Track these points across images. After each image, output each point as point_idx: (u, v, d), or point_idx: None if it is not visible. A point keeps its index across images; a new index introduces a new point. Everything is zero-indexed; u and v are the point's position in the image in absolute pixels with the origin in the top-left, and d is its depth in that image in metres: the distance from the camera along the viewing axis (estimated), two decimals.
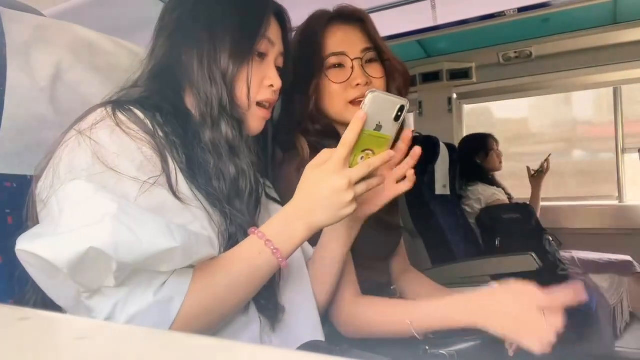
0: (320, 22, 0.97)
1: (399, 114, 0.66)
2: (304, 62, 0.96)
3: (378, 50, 0.98)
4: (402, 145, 0.75)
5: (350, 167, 0.64)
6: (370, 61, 0.96)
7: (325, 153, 0.65)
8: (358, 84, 0.93)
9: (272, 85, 0.76)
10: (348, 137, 0.63)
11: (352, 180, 0.63)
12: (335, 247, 0.80)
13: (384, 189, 0.77)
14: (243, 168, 0.71)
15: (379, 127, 0.65)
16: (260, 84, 0.75)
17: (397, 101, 0.65)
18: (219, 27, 0.72)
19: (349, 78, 0.94)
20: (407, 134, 0.71)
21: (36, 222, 0.62)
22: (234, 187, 0.70)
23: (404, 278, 1.12)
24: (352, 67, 0.94)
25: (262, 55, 0.75)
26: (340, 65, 0.95)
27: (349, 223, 0.79)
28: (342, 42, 0.95)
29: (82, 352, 0.28)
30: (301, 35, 0.99)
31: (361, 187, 0.65)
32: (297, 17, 0.99)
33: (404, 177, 0.78)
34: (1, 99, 0.69)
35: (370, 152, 0.66)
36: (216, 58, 0.71)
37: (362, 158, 0.66)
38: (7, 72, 0.70)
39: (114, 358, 0.27)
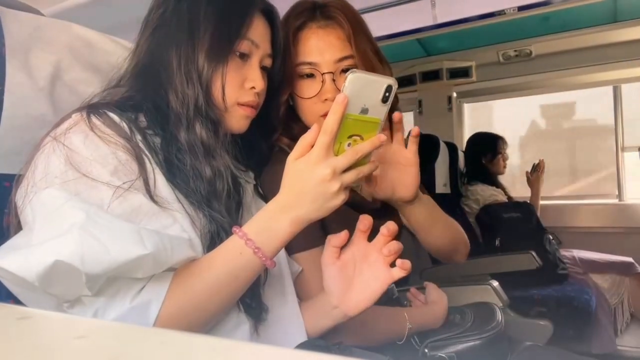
0: (296, 21, 0.88)
1: (387, 94, 0.61)
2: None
3: (359, 57, 0.87)
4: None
5: (336, 155, 0.60)
6: (347, 71, 0.86)
7: (303, 140, 0.61)
8: (327, 99, 0.86)
9: (253, 87, 0.74)
10: (329, 123, 0.59)
11: (337, 169, 0.60)
12: (319, 329, 0.76)
13: (376, 277, 0.69)
14: (219, 169, 0.69)
15: (365, 111, 0.61)
16: (240, 86, 0.73)
17: (382, 81, 0.61)
18: (200, 26, 0.70)
19: (318, 92, 0.86)
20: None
21: (17, 228, 0.62)
22: (211, 189, 0.68)
23: None
24: (323, 81, 0.86)
25: (244, 57, 0.73)
26: (311, 75, 0.87)
27: (341, 317, 0.73)
28: (315, 50, 0.86)
29: (82, 351, 0.28)
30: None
31: (350, 176, 0.61)
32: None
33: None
34: (0, 98, 0.69)
35: (358, 138, 0.62)
36: (193, 58, 0.69)
37: (349, 145, 0.62)
38: (7, 72, 0.70)
39: (114, 357, 0.27)
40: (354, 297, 0.71)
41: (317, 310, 0.76)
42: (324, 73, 0.86)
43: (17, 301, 0.63)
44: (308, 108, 0.89)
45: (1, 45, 0.70)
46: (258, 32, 0.74)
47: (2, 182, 0.70)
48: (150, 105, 0.69)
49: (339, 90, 0.84)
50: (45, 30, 0.77)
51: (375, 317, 0.89)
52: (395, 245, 0.68)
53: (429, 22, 1.96)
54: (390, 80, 0.61)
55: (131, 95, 0.70)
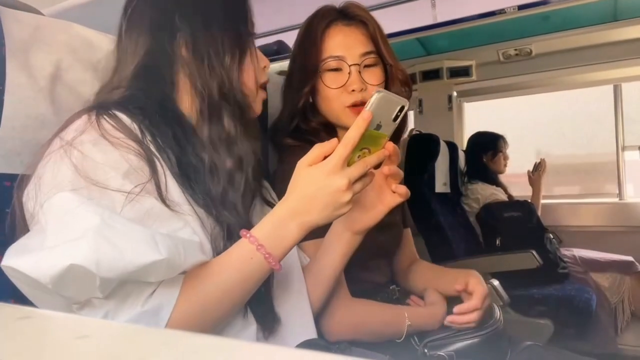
0: (323, 21, 0.96)
1: (399, 114, 0.65)
2: (303, 61, 0.97)
3: (380, 54, 0.97)
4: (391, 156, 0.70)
5: (347, 165, 0.63)
6: (369, 66, 0.96)
7: (317, 149, 0.63)
8: (353, 90, 0.93)
9: (265, 67, 0.76)
10: (352, 136, 0.61)
11: (351, 180, 0.61)
12: (335, 260, 0.79)
13: (380, 200, 0.74)
14: (240, 156, 0.69)
15: (378, 127, 0.64)
16: (260, 68, 0.75)
17: (399, 101, 0.65)
18: (210, 14, 0.70)
19: (344, 84, 0.94)
20: (389, 146, 0.67)
21: (22, 228, 0.61)
22: (229, 181, 0.68)
23: (412, 269, 1.13)
24: (349, 73, 0.93)
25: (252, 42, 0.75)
26: (337, 69, 0.95)
27: (351, 238, 0.77)
28: (342, 45, 0.94)
29: (83, 351, 0.28)
30: (303, 33, 0.99)
31: (358, 186, 0.63)
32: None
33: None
34: (1, 98, 0.69)
35: (366, 151, 0.65)
36: (216, 47, 0.69)
37: (358, 156, 0.64)
38: (7, 72, 0.70)
39: (114, 357, 0.27)
40: (359, 216, 0.75)
41: (328, 239, 0.79)
42: (350, 65, 0.93)
43: (18, 301, 0.63)
44: (334, 98, 0.95)
45: (1, 45, 0.70)
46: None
47: (2, 182, 0.70)
48: (157, 106, 0.69)
49: (364, 82, 0.94)
50: (45, 30, 0.77)
51: (374, 311, 0.90)
52: (395, 169, 0.71)
53: (429, 21, 1.96)
54: (404, 102, 0.65)
55: (134, 96, 0.70)
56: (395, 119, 0.65)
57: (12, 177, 0.70)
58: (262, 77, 0.76)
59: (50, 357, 0.27)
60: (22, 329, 0.32)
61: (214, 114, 0.69)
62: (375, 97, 0.63)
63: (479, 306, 0.88)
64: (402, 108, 0.65)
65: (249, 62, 0.71)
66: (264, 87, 0.77)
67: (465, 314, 0.88)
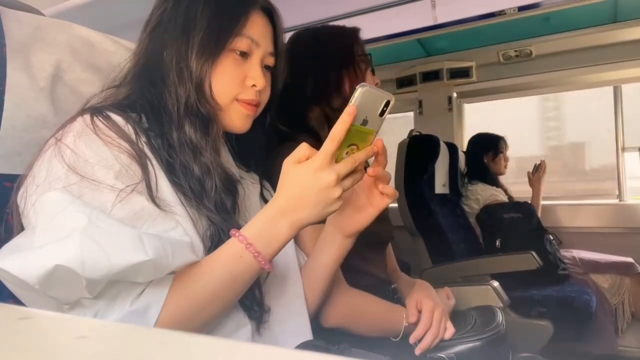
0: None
1: (385, 108, 0.64)
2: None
3: None
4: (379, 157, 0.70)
5: (336, 162, 0.62)
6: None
7: (303, 147, 0.62)
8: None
9: (254, 85, 0.73)
10: (338, 131, 0.60)
11: (340, 176, 0.61)
12: (329, 262, 0.79)
13: (370, 202, 0.74)
14: (208, 167, 0.69)
15: (365, 122, 0.63)
16: (240, 84, 0.73)
17: (384, 96, 0.64)
18: (194, 25, 0.70)
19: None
20: (379, 142, 0.67)
21: (19, 228, 0.62)
22: (201, 187, 0.68)
23: (393, 275, 1.14)
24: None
25: (245, 54, 0.73)
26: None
27: (342, 240, 0.77)
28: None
29: (83, 351, 0.28)
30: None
31: (347, 183, 0.63)
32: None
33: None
34: (1, 98, 0.69)
35: (354, 147, 0.64)
36: (187, 56, 0.69)
37: (347, 153, 0.64)
38: (7, 72, 0.70)
39: (114, 357, 0.27)
40: (350, 218, 0.75)
41: (321, 240, 0.79)
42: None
43: (18, 301, 0.63)
44: None
45: (2, 45, 0.70)
46: (258, 31, 0.74)
47: (3, 182, 0.70)
48: (151, 105, 0.70)
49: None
50: (46, 30, 0.77)
51: (370, 301, 0.92)
52: (380, 171, 0.71)
53: (430, 23, 1.96)
54: (390, 97, 0.65)
55: (133, 95, 0.71)
56: (381, 114, 0.65)
57: (12, 178, 0.70)
58: (244, 94, 0.73)
59: (49, 357, 0.27)
60: (21, 330, 0.32)
61: (179, 121, 0.69)
62: (360, 91, 0.62)
63: (429, 324, 0.87)
64: (388, 103, 0.64)
65: (214, 76, 0.70)
66: (250, 103, 0.74)
67: (423, 339, 0.87)
